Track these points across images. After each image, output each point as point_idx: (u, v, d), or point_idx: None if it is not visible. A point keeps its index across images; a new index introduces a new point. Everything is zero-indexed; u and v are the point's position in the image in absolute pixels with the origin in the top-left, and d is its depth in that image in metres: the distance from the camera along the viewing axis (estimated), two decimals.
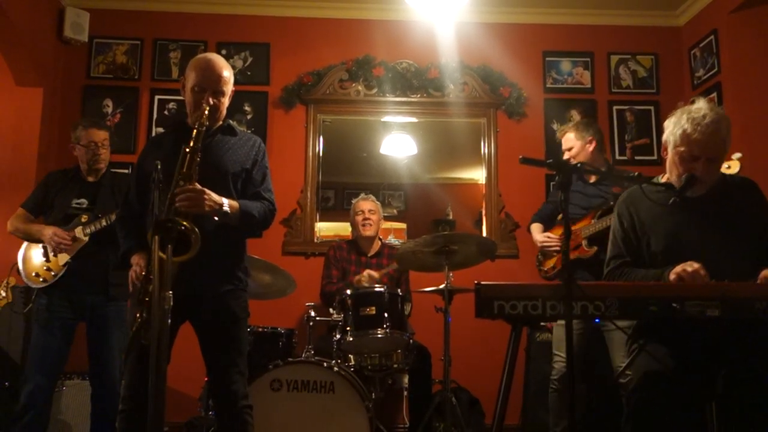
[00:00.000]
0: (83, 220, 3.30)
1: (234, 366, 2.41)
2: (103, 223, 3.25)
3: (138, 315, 2.18)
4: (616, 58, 5.01)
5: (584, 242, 3.32)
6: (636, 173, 2.45)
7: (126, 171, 4.20)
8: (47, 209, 3.41)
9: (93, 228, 3.27)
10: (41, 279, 3.27)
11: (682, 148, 2.25)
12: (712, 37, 4.62)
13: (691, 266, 2.11)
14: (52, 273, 3.27)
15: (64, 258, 3.26)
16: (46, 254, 3.30)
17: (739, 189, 2.39)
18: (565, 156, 3.55)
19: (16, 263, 3.40)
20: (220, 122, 2.55)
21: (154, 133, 4.69)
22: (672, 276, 2.13)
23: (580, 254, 3.31)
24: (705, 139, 2.21)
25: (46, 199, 3.41)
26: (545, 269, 3.58)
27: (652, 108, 4.95)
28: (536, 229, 3.66)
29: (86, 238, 3.27)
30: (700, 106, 2.26)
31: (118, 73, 4.83)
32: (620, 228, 2.41)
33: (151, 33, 4.89)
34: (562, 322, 3.21)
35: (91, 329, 3.31)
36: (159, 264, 1.97)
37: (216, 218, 2.33)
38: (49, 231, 3.25)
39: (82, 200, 3.37)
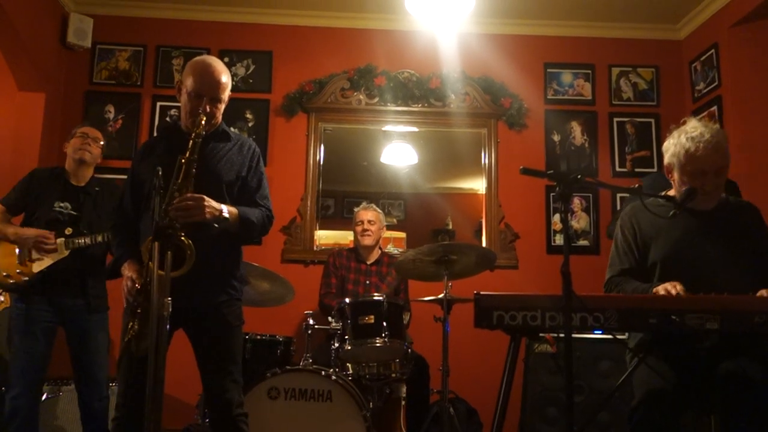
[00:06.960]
0: (67, 233, 3.24)
1: (228, 374, 2.38)
2: (87, 241, 3.21)
3: (130, 326, 2.17)
4: (617, 71, 5.03)
5: None
6: (636, 185, 2.46)
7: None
8: (26, 207, 3.33)
9: (75, 244, 3.22)
10: (12, 281, 3.19)
11: (689, 167, 2.26)
12: (712, 50, 4.63)
13: (673, 287, 2.14)
14: (24, 278, 3.18)
15: (39, 266, 3.20)
16: (21, 257, 3.21)
17: (740, 210, 2.40)
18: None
19: None
20: (215, 127, 2.50)
21: None
22: (655, 292, 2.16)
23: None
24: (710, 154, 2.24)
25: (28, 197, 3.32)
26: None
27: (652, 120, 4.96)
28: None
29: (67, 252, 3.22)
30: (695, 125, 2.30)
31: (121, 79, 4.84)
32: (623, 239, 2.43)
33: (154, 40, 4.91)
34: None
35: (71, 337, 3.28)
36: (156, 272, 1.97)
37: (216, 225, 2.30)
38: (31, 233, 3.18)
39: (65, 204, 3.30)
